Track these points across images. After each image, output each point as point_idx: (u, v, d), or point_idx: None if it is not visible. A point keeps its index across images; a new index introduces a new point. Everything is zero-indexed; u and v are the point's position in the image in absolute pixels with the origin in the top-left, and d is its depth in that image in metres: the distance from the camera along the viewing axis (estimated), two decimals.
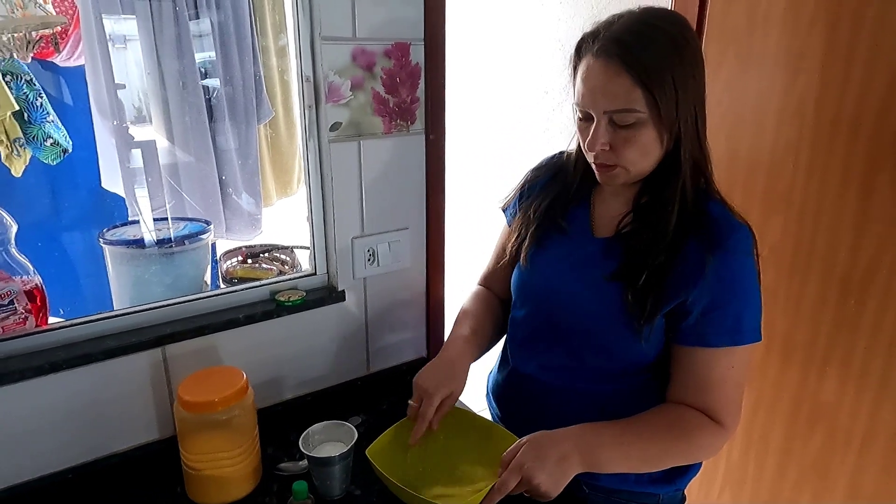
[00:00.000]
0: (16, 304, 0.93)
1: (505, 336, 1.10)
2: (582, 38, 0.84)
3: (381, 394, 1.26)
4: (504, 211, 1.10)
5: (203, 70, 1.99)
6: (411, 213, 1.23)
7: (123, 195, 1.99)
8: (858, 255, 1.31)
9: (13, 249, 0.93)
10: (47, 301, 0.98)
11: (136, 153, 1.92)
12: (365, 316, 1.23)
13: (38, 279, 0.96)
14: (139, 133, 2.00)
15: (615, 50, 0.78)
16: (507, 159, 2.25)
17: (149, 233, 1.49)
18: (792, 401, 1.49)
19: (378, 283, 1.23)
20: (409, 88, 1.14)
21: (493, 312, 1.09)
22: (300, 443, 0.94)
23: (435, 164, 1.22)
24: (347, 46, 1.05)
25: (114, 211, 1.90)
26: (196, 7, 1.91)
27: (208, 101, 1.95)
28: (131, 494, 0.98)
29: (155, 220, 1.57)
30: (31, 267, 0.95)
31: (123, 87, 1.97)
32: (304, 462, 1.00)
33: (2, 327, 0.93)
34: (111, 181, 2.02)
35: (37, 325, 0.96)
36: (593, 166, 0.88)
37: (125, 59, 1.99)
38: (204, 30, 1.93)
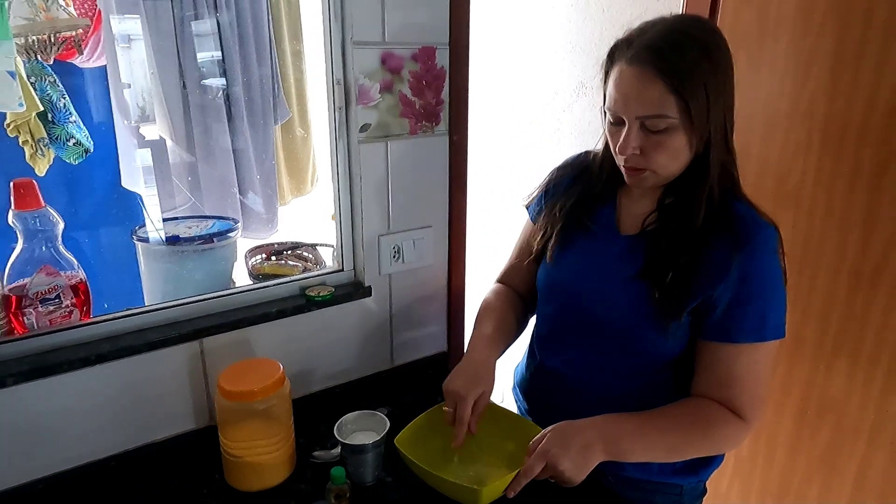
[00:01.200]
0: (62, 299, 0.97)
1: (532, 330, 1.14)
2: (615, 45, 0.87)
3: (405, 387, 1.30)
4: (527, 208, 1.13)
5: (219, 72, 2.03)
6: (435, 211, 1.27)
7: (143, 194, 2.03)
8: (867, 253, 1.35)
9: (60, 246, 0.97)
10: (90, 296, 1.02)
11: (147, 153, 1.96)
12: (389, 311, 1.28)
13: (82, 274, 1.00)
14: (152, 132, 2.03)
15: (649, 58, 0.80)
16: (524, 159, 2.29)
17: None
18: (801, 394, 1.53)
19: (402, 280, 1.27)
20: (434, 91, 1.18)
21: (514, 309, 1.11)
22: (335, 431, 0.98)
23: (458, 164, 1.26)
24: (377, 50, 1.10)
25: (136, 210, 1.94)
26: (216, 7, 1.94)
27: (227, 102, 1.99)
28: (172, 481, 1.02)
29: (184, 217, 1.61)
30: (76, 263, 0.99)
31: (129, 86, 2.01)
32: (337, 450, 1.04)
33: (49, 320, 0.97)
34: (131, 181, 2.06)
35: (81, 319, 1.00)
36: (622, 169, 0.91)
37: (131, 59, 2.02)
38: (222, 29, 1.96)
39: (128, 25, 1.94)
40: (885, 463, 1.40)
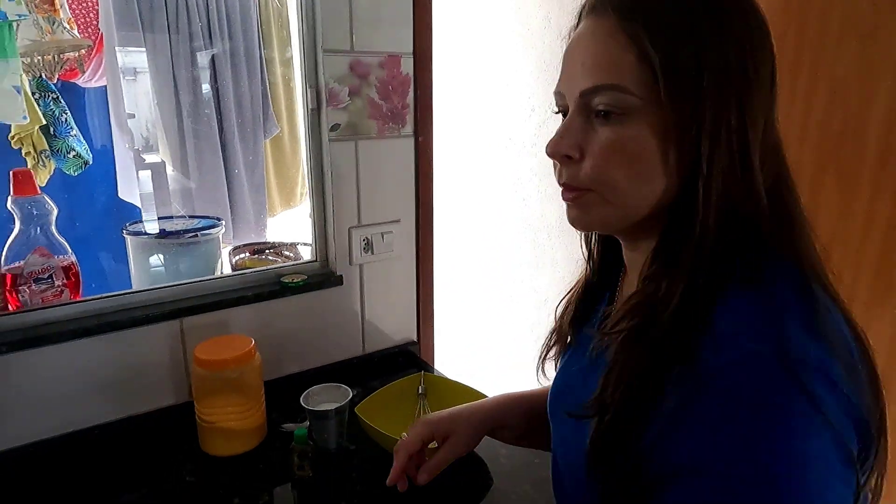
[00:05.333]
0: (54, 279, 1.07)
1: None
2: (582, 5, 0.58)
3: (375, 372, 1.38)
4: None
5: (215, 99, 2.15)
6: (403, 206, 1.37)
7: (138, 205, 2.14)
8: None
9: (54, 231, 1.07)
10: (81, 278, 1.11)
11: (146, 174, 2.09)
12: (361, 299, 1.36)
13: (73, 258, 1.09)
14: (151, 155, 2.16)
15: (612, 1, 0.53)
16: (503, 170, 2.41)
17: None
18: None
19: (373, 270, 1.36)
20: (400, 95, 1.29)
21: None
22: (301, 399, 1.06)
23: (424, 164, 1.36)
24: (346, 58, 1.21)
25: (130, 216, 2.05)
26: (210, 36, 2.08)
27: (220, 126, 2.11)
28: (151, 449, 1.09)
29: (171, 216, 1.72)
30: (68, 247, 1.09)
31: (133, 116, 2.14)
32: (306, 423, 1.12)
33: (41, 298, 1.06)
34: (127, 192, 2.17)
35: (71, 298, 1.09)
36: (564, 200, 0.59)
37: (136, 91, 2.15)
38: (216, 57, 2.10)
39: (133, 58, 2.07)
40: None
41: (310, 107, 1.22)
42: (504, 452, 1.07)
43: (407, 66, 1.28)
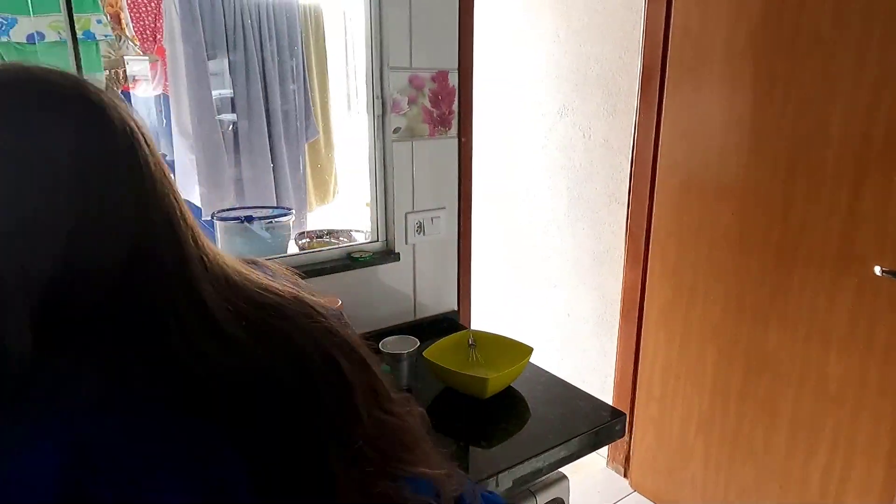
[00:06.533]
0: None
1: None
2: None
3: (424, 335, 1.64)
4: None
5: (263, 101, 2.43)
6: (448, 195, 1.64)
7: (198, 204, 2.41)
8: (787, 229, 1.72)
9: None
10: None
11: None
12: (413, 273, 1.64)
13: None
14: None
15: None
16: (520, 165, 2.69)
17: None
18: (744, 351, 1.88)
19: (423, 249, 1.64)
20: (447, 104, 1.57)
21: None
22: (380, 345, 1.33)
23: (465, 160, 1.64)
24: (406, 73, 1.49)
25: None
26: (262, 51, 2.36)
27: (269, 126, 2.38)
28: None
29: (247, 207, 2.00)
30: None
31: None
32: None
33: None
34: (184, 191, 2.44)
35: None
36: None
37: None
38: (267, 68, 2.38)
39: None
40: (811, 403, 1.74)
41: (376, 114, 1.50)
42: (540, 388, 1.34)
43: (453, 79, 1.57)
